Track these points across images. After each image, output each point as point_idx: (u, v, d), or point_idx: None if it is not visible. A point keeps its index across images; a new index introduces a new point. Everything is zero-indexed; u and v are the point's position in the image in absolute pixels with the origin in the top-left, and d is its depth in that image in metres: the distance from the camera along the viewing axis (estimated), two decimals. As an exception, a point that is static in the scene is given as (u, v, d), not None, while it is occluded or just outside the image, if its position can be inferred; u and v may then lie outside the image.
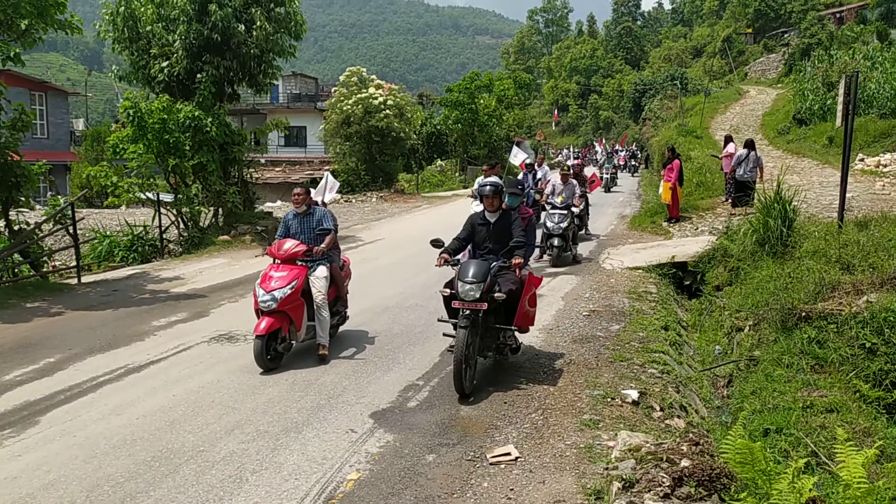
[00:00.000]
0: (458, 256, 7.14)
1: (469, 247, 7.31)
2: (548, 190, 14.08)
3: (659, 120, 48.25)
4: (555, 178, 13.53)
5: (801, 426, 5.59)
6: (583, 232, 15.90)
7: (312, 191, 9.14)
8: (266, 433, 5.75)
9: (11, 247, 12.45)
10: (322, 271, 7.75)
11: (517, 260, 6.67)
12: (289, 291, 7.24)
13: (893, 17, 52.30)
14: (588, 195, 17.17)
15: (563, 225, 13.12)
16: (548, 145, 65.73)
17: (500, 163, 16.58)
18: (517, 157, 18.65)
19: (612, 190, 30.87)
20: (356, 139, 32.81)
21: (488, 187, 7.03)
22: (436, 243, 7.04)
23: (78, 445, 5.63)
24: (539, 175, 17.06)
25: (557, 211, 13.35)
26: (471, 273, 6.47)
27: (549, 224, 13.17)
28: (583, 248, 14.77)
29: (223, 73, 17.24)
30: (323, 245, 7.72)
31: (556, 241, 13.06)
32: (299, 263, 7.62)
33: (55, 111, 36.08)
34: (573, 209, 13.89)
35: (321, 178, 10.95)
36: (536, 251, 12.80)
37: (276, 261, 7.59)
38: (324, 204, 9.19)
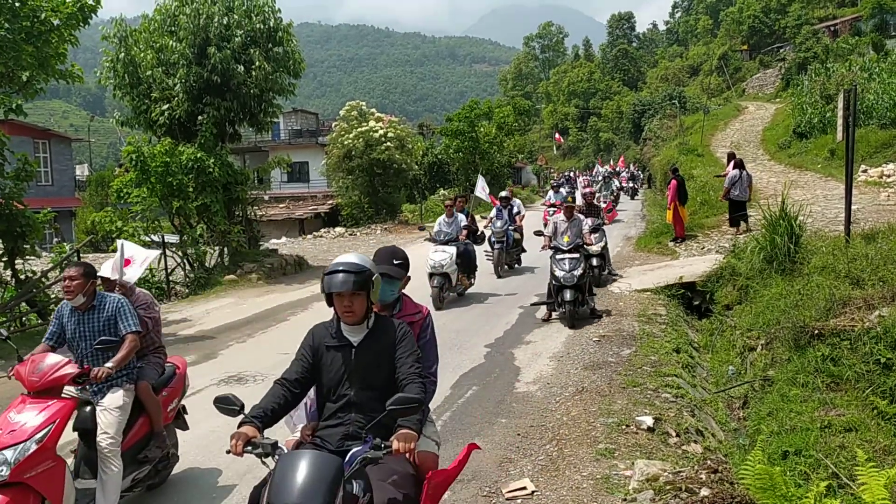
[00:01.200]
0: (280, 428, 3.87)
1: (306, 400, 3.86)
2: (549, 230, 11.48)
3: (659, 139, 48.40)
4: (557, 216, 11.38)
5: (821, 447, 5.50)
6: (606, 272, 13.76)
7: (109, 267, 5.78)
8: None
9: (18, 296, 12.47)
10: (116, 399, 4.94)
11: (401, 444, 3.12)
12: (33, 448, 4.11)
13: (888, 28, 52.64)
14: (605, 226, 14.99)
15: (578, 272, 10.31)
16: (549, 169, 65.89)
17: (465, 196, 15.45)
18: (483, 190, 18.07)
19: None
20: (358, 172, 32.96)
21: (339, 276, 3.38)
22: (226, 404, 3.42)
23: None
24: (518, 209, 16.26)
25: (567, 255, 10.56)
26: (297, 495, 2.90)
27: (558, 273, 10.39)
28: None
29: (224, 114, 17.39)
30: (110, 364, 4.83)
31: (567, 295, 10.18)
32: (67, 395, 4.75)
33: (59, 158, 36.36)
34: (588, 248, 11.72)
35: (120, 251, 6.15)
36: (543, 309, 11.11)
37: (27, 391, 4.50)
38: (121, 288, 5.71)
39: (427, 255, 12.34)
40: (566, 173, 64.81)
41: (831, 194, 17.17)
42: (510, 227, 15.58)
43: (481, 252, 14.62)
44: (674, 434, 6.17)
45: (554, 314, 10.80)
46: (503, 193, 16.65)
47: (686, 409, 6.85)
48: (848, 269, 8.40)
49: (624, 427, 6.22)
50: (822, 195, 17.51)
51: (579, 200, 15.79)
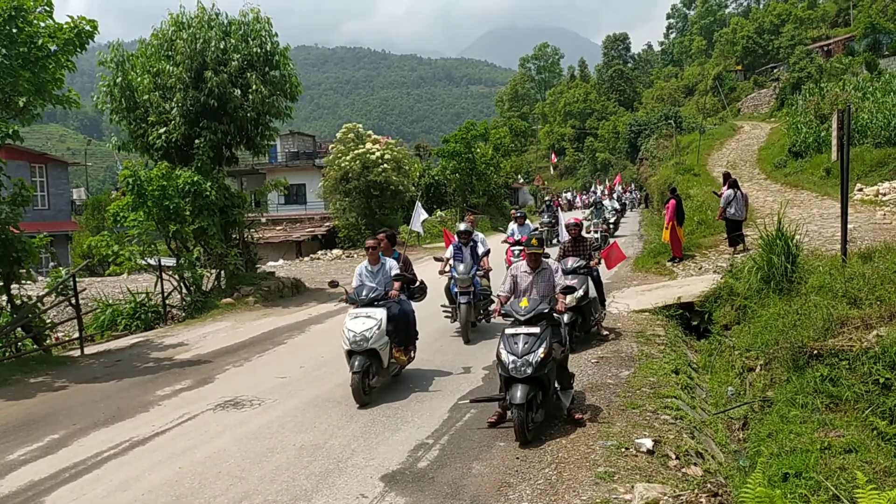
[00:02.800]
0: None
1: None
2: (505, 288, 7.64)
3: (656, 159, 48.61)
4: (518, 266, 7.80)
5: (821, 469, 5.46)
6: (594, 325, 10.69)
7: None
8: (275, 502, 5.63)
9: (14, 322, 12.41)
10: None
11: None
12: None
13: (881, 48, 53.12)
14: (598, 270, 11.37)
15: (537, 357, 6.61)
16: (546, 190, 66.07)
17: (392, 231, 10.57)
18: (418, 218, 15.85)
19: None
20: (355, 194, 33.03)
21: None
22: None
23: (83, 526, 5.50)
24: (482, 246, 12.44)
25: (523, 330, 6.85)
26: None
27: (505, 358, 6.70)
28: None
29: (221, 138, 17.42)
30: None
31: (518, 394, 6.49)
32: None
33: (55, 182, 36.40)
34: (558, 316, 7.36)
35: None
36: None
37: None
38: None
39: (344, 325, 8.42)
40: (565, 193, 64.81)
41: (827, 213, 17.21)
42: (477, 272, 11.84)
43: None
44: (674, 456, 6.12)
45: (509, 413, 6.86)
46: (461, 226, 12.18)
47: (686, 431, 6.81)
48: (845, 289, 8.39)
49: (623, 450, 6.18)
50: (818, 214, 17.56)
51: (563, 235, 13.07)
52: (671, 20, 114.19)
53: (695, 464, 6.10)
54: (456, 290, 11.51)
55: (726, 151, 40.48)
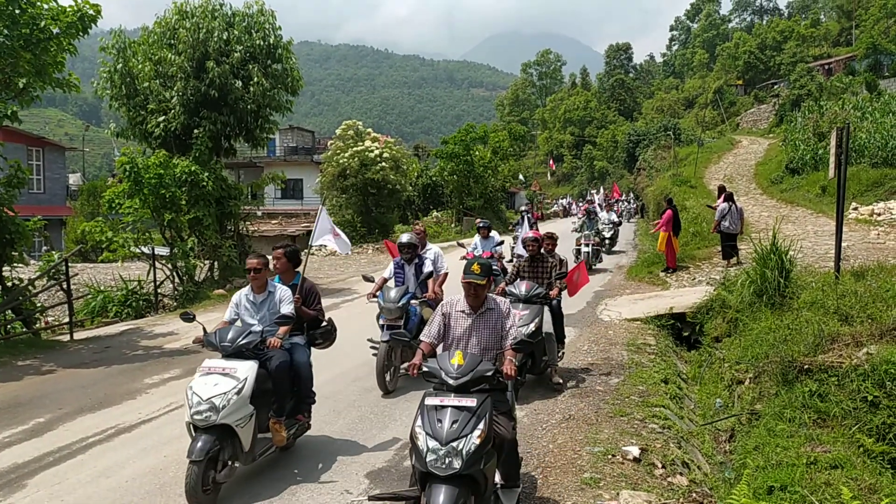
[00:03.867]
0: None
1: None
2: (430, 332, 5.30)
3: (653, 170, 48.67)
4: (453, 302, 5.40)
5: (806, 483, 5.46)
6: (548, 368, 8.62)
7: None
8: (260, 495, 5.61)
9: (4, 303, 12.35)
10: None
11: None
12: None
13: (881, 68, 53.37)
14: (559, 299, 8.93)
15: (470, 446, 4.36)
16: (543, 195, 66.12)
17: (294, 247, 7.03)
18: (325, 228, 7.98)
19: (595, 267, 19.69)
20: (352, 191, 33.03)
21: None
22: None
23: (65, 510, 5.47)
24: (433, 265, 9.28)
25: (451, 403, 4.55)
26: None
27: (421, 444, 4.41)
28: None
29: (220, 129, 17.41)
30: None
31: (441, 499, 4.23)
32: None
33: (52, 166, 36.27)
34: (500, 377, 4.85)
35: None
36: None
37: None
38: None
39: (189, 385, 5.70)
40: (561, 199, 64.77)
41: (822, 230, 17.27)
42: (412, 299, 8.79)
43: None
44: (660, 465, 6.13)
45: None
46: (403, 238, 9.16)
47: (673, 441, 6.81)
48: (837, 306, 8.40)
49: (610, 456, 6.18)
50: (812, 231, 17.61)
51: (519, 249, 11.83)
52: (674, 32, 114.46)
53: (680, 473, 6.11)
54: (383, 321, 8.76)
55: (724, 165, 40.57)
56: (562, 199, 66.98)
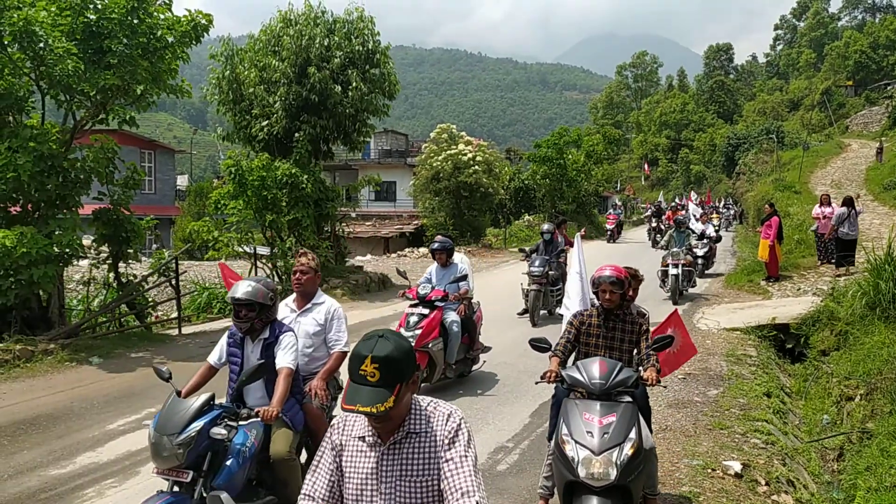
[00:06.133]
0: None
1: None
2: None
3: (754, 174, 46.98)
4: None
5: (925, 509, 5.18)
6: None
7: None
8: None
9: (120, 298, 13.07)
10: None
11: None
12: None
13: None
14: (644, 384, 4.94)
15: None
16: (636, 199, 64.80)
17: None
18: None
19: (687, 292, 16.12)
20: (445, 194, 33.28)
21: None
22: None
23: (176, 497, 5.74)
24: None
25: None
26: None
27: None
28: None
29: (319, 132, 17.89)
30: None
31: None
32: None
33: (162, 168, 38.18)
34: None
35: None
36: None
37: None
38: None
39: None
40: (656, 203, 63.19)
41: (941, 240, 16.26)
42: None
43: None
44: (763, 482, 5.92)
45: None
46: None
47: (776, 457, 6.57)
48: (959, 321, 7.92)
49: (710, 470, 6.01)
50: (930, 240, 16.60)
51: (576, 301, 6.42)
52: (779, 31, 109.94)
53: (785, 492, 5.89)
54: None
55: (831, 170, 38.78)
56: (678, 198, 65.21)
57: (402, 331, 8.05)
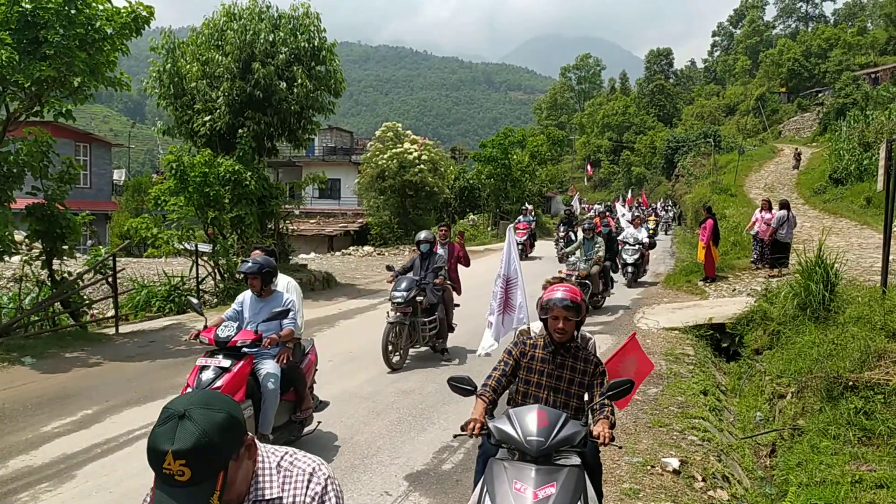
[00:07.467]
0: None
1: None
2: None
3: (692, 177, 48.15)
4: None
5: (851, 502, 5.40)
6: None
7: None
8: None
9: (53, 296, 12.68)
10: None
11: None
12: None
13: (930, 78, 52.09)
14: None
15: None
16: (584, 200, 65.63)
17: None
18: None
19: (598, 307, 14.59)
20: (390, 193, 33.25)
21: None
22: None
23: (114, 502, 5.62)
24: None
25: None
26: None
27: None
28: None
29: (264, 129, 17.67)
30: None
31: None
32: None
33: (98, 162, 37.09)
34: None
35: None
36: None
37: None
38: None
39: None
40: (597, 206, 64.13)
41: (866, 243, 16.96)
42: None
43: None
44: (699, 478, 6.09)
45: None
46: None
47: (712, 454, 6.76)
48: (884, 322, 8.26)
49: (649, 468, 6.15)
50: (857, 243, 17.30)
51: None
52: (716, 38, 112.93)
53: (721, 487, 6.07)
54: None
55: (764, 174, 40.02)
56: (597, 204, 66.30)
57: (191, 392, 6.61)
